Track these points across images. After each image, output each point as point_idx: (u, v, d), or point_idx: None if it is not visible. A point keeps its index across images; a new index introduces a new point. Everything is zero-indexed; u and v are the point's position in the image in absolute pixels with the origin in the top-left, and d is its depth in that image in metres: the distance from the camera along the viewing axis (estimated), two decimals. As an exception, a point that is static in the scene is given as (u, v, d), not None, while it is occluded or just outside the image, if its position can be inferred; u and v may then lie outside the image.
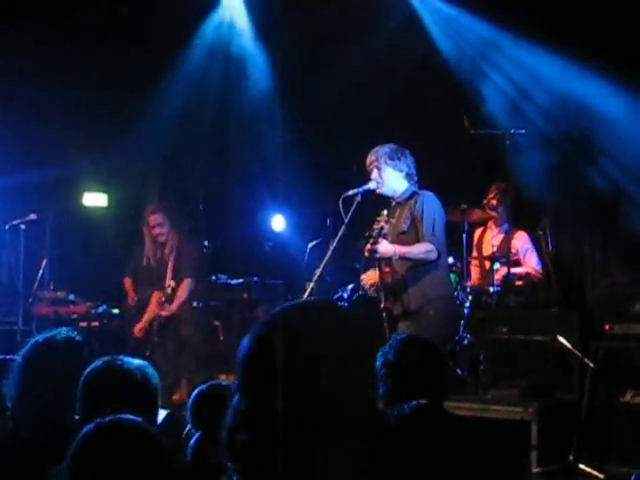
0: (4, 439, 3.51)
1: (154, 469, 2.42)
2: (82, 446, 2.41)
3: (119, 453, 2.39)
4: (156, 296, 9.39)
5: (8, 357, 4.16)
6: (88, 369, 3.33)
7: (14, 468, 3.25)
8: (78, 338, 3.75)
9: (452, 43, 10.23)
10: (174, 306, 9.19)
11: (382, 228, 6.95)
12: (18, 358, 3.66)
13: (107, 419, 2.48)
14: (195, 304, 9.60)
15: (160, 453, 2.48)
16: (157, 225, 9.37)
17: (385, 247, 6.92)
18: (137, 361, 3.42)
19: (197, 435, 3.99)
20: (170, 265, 9.29)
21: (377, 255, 6.96)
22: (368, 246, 6.97)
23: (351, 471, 1.71)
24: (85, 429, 2.45)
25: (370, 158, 7.23)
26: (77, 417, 3.22)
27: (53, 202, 9.45)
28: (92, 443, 2.42)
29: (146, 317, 9.43)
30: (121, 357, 3.39)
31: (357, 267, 8.44)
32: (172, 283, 9.11)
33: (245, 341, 1.81)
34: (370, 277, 7.47)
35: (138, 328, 9.42)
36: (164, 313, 9.20)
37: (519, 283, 9.01)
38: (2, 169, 10.22)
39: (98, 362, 3.36)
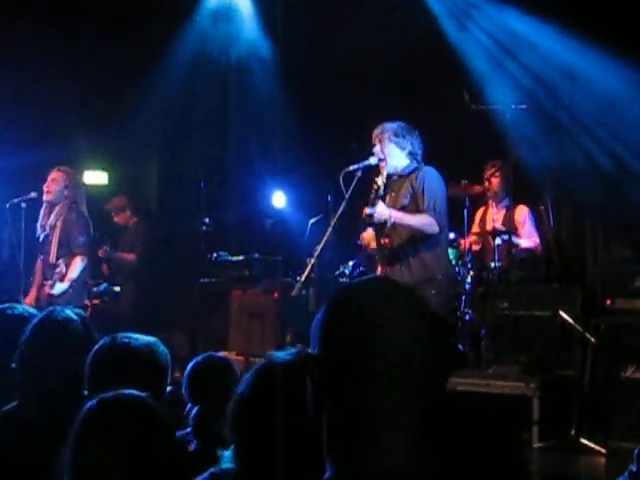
0: (7, 420, 3.51)
1: (158, 444, 2.42)
2: (85, 421, 2.42)
3: (122, 428, 2.39)
4: (40, 272, 8.75)
5: (24, 313, 4.18)
6: (96, 346, 3.33)
7: (19, 450, 3.25)
8: (80, 315, 3.76)
9: (453, 17, 10.18)
10: (66, 283, 8.47)
11: (379, 188, 6.94)
12: (28, 332, 3.65)
13: (110, 394, 2.48)
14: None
15: (164, 428, 2.48)
16: (52, 180, 8.70)
17: (381, 208, 6.87)
18: (146, 338, 3.40)
19: (196, 410, 4.00)
20: (55, 239, 8.57)
21: (374, 217, 6.91)
22: (366, 210, 6.94)
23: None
24: (88, 404, 2.45)
25: (376, 132, 7.19)
26: (85, 392, 3.21)
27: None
28: (95, 418, 2.42)
29: (31, 296, 8.69)
30: (129, 334, 3.38)
31: (358, 243, 8.44)
32: (62, 268, 8.43)
33: (319, 314, 1.87)
34: (369, 236, 7.44)
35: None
36: (54, 291, 8.41)
37: (524, 257, 9.00)
38: (3, 148, 10.21)
39: (106, 339, 3.35)
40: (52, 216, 8.64)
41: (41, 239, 8.70)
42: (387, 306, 1.82)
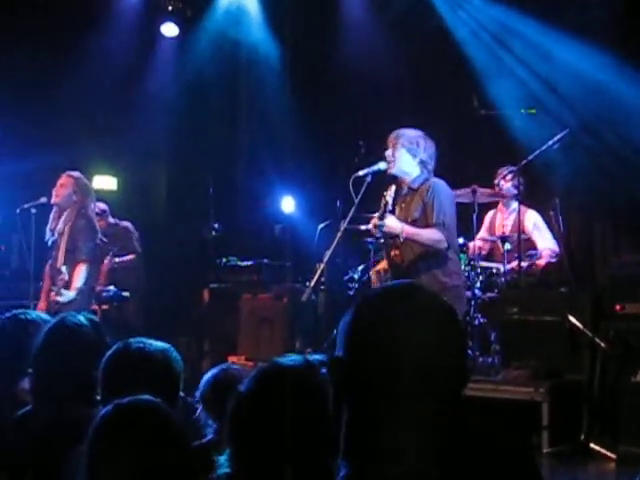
0: (21, 424, 3.52)
1: (173, 450, 2.43)
2: (101, 427, 2.43)
3: (138, 434, 2.40)
4: (48, 278, 8.66)
5: (37, 319, 4.20)
6: (109, 352, 3.32)
7: (33, 454, 3.25)
8: (92, 320, 3.77)
9: (461, 22, 10.19)
10: (72, 292, 8.33)
11: (387, 204, 6.92)
12: (41, 338, 3.67)
13: (125, 400, 2.49)
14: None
15: (179, 434, 2.49)
16: (60, 185, 8.64)
17: (392, 222, 6.84)
18: (160, 344, 3.39)
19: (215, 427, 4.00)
20: (62, 245, 8.49)
21: (384, 229, 6.90)
22: (375, 221, 6.91)
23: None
24: (104, 410, 2.47)
25: (391, 136, 7.16)
26: (99, 397, 3.22)
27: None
28: (110, 424, 2.43)
29: (42, 304, 8.57)
30: (143, 339, 3.38)
31: (369, 248, 8.44)
32: (65, 275, 8.32)
33: (346, 317, 1.87)
34: (379, 266, 7.47)
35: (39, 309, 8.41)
36: (60, 299, 8.29)
37: (540, 263, 8.99)
38: (13, 153, 10.24)
39: (119, 344, 3.34)
40: (61, 221, 8.64)
41: (50, 244, 8.70)
42: (416, 313, 1.83)
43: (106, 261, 10.19)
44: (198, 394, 4.21)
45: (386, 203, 6.94)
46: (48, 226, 8.72)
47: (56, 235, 8.61)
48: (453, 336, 1.85)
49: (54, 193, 8.68)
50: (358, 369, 1.80)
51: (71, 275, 8.44)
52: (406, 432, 1.77)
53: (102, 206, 10.78)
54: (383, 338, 1.78)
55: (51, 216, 8.74)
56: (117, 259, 10.52)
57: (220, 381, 4.18)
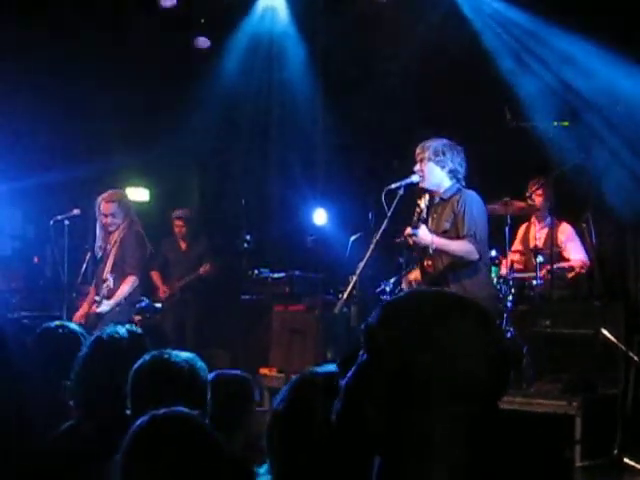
0: (65, 432, 3.55)
1: (208, 460, 2.44)
2: (136, 438, 2.44)
3: (174, 445, 2.42)
4: (93, 290, 8.81)
5: (75, 331, 4.26)
6: (135, 365, 3.35)
7: (79, 467, 3.28)
8: (135, 332, 3.80)
9: (494, 35, 10.18)
10: (112, 301, 8.54)
11: (422, 211, 6.91)
12: (81, 353, 3.71)
13: (161, 411, 2.51)
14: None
15: (214, 444, 2.50)
16: (109, 214, 8.71)
17: (424, 233, 6.82)
18: (185, 354, 3.43)
19: None
20: (111, 257, 8.68)
21: (415, 239, 6.88)
22: (408, 229, 6.90)
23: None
24: (139, 421, 2.48)
25: (417, 150, 7.13)
26: (129, 412, 3.24)
27: (96, 197, 9.53)
28: (147, 435, 2.45)
29: (81, 312, 8.76)
30: (168, 351, 3.40)
31: (400, 261, 8.43)
32: (110, 282, 8.52)
33: (371, 318, 1.84)
34: (411, 276, 7.47)
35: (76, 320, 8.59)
36: (99, 310, 8.51)
37: (570, 275, 8.95)
38: (46, 165, 10.32)
39: (146, 357, 3.37)
40: (112, 237, 8.75)
41: (99, 256, 8.78)
42: (451, 319, 1.81)
43: (206, 268, 10.55)
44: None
45: (420, 211, 6.93)
46: (97, 244, 8.80)
47: (109, 248, 8.69)
48: (489, 343, 1.81)
49: (105, 224, 8.75)
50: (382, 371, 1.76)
51: (118, 285, 8.53)
52: (435, 447, 1.74)
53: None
54: (413, 343, 1.75)
55: (98, 234, 8.80)
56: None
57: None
